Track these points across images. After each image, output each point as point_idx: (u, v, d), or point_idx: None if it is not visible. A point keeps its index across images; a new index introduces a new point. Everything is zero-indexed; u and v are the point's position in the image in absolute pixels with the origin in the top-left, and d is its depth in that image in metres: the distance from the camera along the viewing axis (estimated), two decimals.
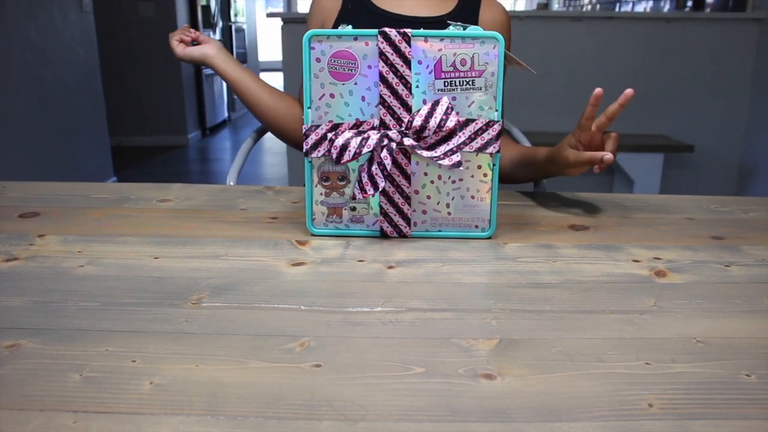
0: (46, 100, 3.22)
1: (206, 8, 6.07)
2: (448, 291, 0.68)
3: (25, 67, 3.05)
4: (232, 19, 7.05)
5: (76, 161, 3.54)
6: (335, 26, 1.11)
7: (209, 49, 1.15)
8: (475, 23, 1.11)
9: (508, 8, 1.19)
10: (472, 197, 0.81)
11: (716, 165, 3.26)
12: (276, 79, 10.13)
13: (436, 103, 0.75)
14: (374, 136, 0.76)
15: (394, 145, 0.76)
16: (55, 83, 3.30)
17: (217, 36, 6.46)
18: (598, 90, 0.86)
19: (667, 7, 4.22)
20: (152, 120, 5.43)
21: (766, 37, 3.03)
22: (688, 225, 0.91)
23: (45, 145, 3.22)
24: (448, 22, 0.80)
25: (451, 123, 0.75)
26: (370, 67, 0.77)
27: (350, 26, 0.78)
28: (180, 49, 1.16)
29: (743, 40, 3.08)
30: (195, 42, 1.19)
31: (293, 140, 1.21)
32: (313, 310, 0.63)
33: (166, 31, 5.26)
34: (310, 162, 0.81)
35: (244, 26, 7.60)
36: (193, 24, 5.76)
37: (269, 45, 11.03)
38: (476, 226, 0.83)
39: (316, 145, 0.79)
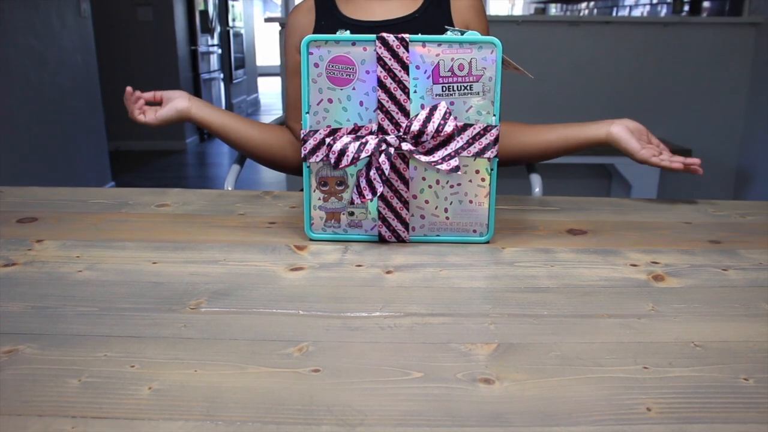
0: (44, 104, 3.22)
1: (204, 13, 6.08)
2: (446, 296, 0.68)
3: (24, 72, 3.05)
4: (230, 23, 7.06)
5: (74, 166, 3.54)
6: None
7: (180, 102, 1.07)
8: (449, 14, 1.11)
9: (504, 12, 1.19)
10: (470, 202, 0.81)
11: (714, 169, 3.26)
12: (274, 84, 10.14)
13: (434, 108, 0.76)
14: (372, 141, 0.76)
15: (392, 149, 0.77)
16: (53, 88, 3.30)
17: (215, 41, 6.47)
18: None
19: (664, 12, 4.23)
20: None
21: (763, 41, 3.04)
22: (685, 229, 0.91)
23: (43, 149, 3.22)
24: (446, 27, 0.81)
25: (449, 128, 0.75)
26: (368, 72, 0.77)
27: (348, 31, 0.79)
28: (149, 116, 1.05)
29: (740, 45, 3.09)
30: (153, 103, 1.08)
31: (293, 168, 1.19)
32: (312, 315, 0.63)
33: (165, 35, 5.29)
34: (309, 167, 0.81)
35: (242, 31, 7.61)
36: (191, 29, 5.77)
37: (267, 50, 11.05)
38: (474, 231, 0.83)
39: (314, 150, 0.79)
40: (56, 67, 3.33)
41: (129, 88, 1.06)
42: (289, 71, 1.17)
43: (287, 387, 0.50)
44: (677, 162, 0.98)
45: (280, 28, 2.99)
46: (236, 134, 1.13)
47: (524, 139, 1.10)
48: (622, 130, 1.01)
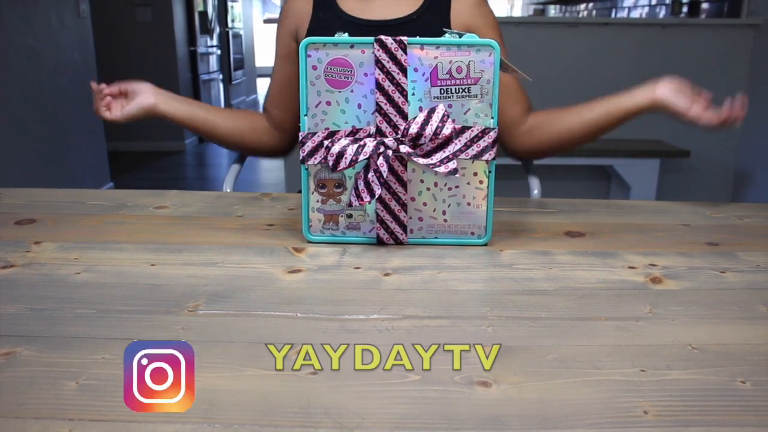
0: (42, 105, 3.22)
1: (203, 14, 6.08)
2: (444, 298, 0.68)
3: (22, 72, 3.04)
4: (229, 24, 7.06)
5: (73, 166, 3.53)
6: (308, 34, 1.10)
7: (146, 98, 1.04)
8: (448, 15, 1.10)
9: (504, 14, 1.19)
10: (468, 204, 0.81)
11: (712, 170, 3.27)
12: None
13: (432, 111, 0.76)
14: (370, 144, 0.76)
15: (390, 152, 0.77)
16: (51, 88, 3.30)
17: (214, 42, 6.47)
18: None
19: (662, 13, 4.24)
20: (149, 125, 5.37)
21: (761, 42, 3.04)
22: (683, 231, 0.91)
23: (41, 150, 3.22)
24: (444, 30, 0.81)
25: (447, 130, 0.75)
26: (366, 74, 0.77)
27: (346, 34, 0.79)
28: (115, 113, 1.04)
29: (738, 46, 3.09)
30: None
31: (266, 151, 1.17)
32: (310, 317, 0.63)
33: (164, 36, 5.29)
34: (307, 169, 0.81)
35: (241, 32, 7.62)
36: (190, 29, 5.77)
37: (266, 50, 11.05)
38: (472, 233, 0.83)
39: (312, 152, 0.79)
40: (55, 67, 3.32)
41: (94, 84, 1.04)
42: (279, 55, 1.15)
43: (284, 390, 0.50)
44: (723, 114, 0.93)
45: None
46: (206, 125, 1.11)
47: (568, 122, 1.06)
48: (667, 92, 0.95)
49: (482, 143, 0.78)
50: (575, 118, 1.06)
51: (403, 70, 0.77)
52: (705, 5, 3.67)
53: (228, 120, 1.14)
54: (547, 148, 1.09)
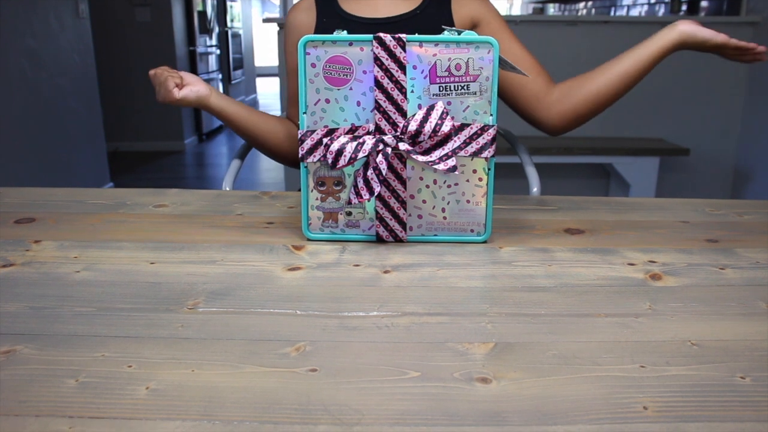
0: (42, 105, 3.22)
1: (203, 13, 6.08)
2: (443, 295, 0.68)
3: (21, 73, 3.04)
4: (229, 24, 7.05)
5: (73, 167, 3.54)
6: None
7: (202, 88, 1.05)
8: (449, 11, 1.11)
9: (503, 13, 1.20)
10: (468, 201, 0.81)
11: (712, 168, 3.27)
12: (272, 84, 10.13)
13: (431, 108, 0.76)
14: (370, 141, 0.76)
15: (389, 149, 0.77)
16: (51, 89, 3.30)
17: (214, 41, 6.47)
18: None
19: (662, 11, 4.24)
20: (149, 125, 5.43)
21: (761, 40, 3.04)
22: (683, 228, 0.91)
23: (41, 150, 3.22)
24: (443, 27, 0.81)
25: (446, 127, 0.75)
26: (365, 72, 0.77)
27: (345, 31, 0.79)
28: (177, 94, 1.01)
29: None
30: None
31: (288, 158, 1.20)
32: (309, 314, 0.63)
33: (163, 36, 5.28)
34: (306, 167, 0.81)
35: (241, 31, 7.61)
36: (190, 29, 5.77)
37: (266, 50, 11.05)
38: (472, 231, 0.83)
39: (311, 150, 0.79)
40: (54, 68, 3.32)
41: (152, 72, 1.03)
42: (289, 69, 1.18)
43: (284, 386, 0.50)
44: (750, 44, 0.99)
45: (278, 28, 2.99)
46: (248, 124, 1.13)
47: (597, 81, 1.06)
48: (689, 26, 1.02)
49: (481, 140, 0.78)
50: (604, 75, 1.06)
51: (402, 68, 0.77)
52: (704, 3, 3.67)
53: (268, 123, 1.15)
54: (583, 110, 1.08)
